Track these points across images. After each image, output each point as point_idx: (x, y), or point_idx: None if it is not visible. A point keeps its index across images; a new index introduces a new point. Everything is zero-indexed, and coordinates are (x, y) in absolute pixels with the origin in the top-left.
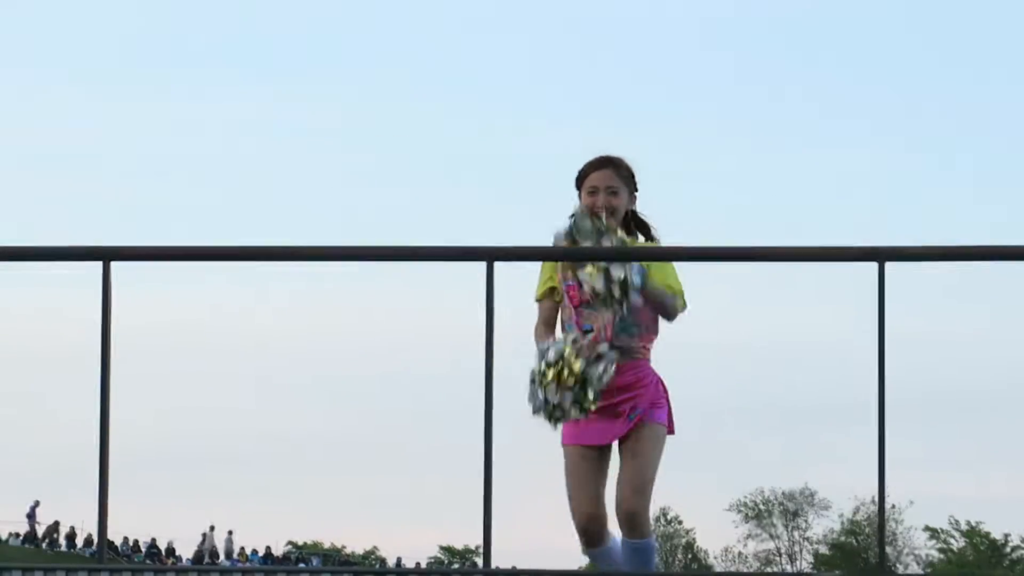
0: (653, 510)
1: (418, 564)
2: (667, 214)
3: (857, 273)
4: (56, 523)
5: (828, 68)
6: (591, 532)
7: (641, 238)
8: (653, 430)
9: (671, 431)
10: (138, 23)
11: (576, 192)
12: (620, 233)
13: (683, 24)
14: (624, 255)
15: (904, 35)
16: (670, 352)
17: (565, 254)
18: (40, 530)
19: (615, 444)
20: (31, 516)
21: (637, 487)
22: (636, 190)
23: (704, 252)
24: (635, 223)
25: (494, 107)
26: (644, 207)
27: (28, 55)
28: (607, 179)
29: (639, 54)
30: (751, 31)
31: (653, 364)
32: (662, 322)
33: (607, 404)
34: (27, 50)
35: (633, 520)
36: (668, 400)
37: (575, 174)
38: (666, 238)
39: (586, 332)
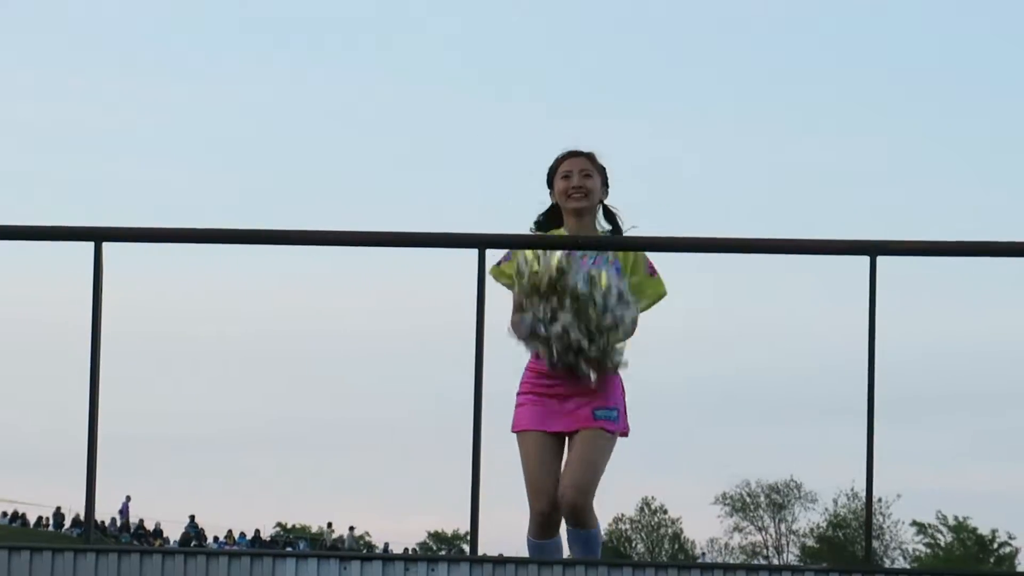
0: (635, 500)
1: (406, 550)
2: (660, 205)
3: (849, 266)
4: (58, 507)
5: (825, 63)
6: (552, 519)
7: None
8: (611, 440)
9: (626, 434)
10: (134, 4)
11: (548, 191)
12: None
13: (679, 17)
14: (619, 245)
15: (898, 30)
16: (659, 344)
17: (555, 243)
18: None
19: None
20: (123, 512)
21: (582, 486)
22: (607, 184)
23: (696, 243)
24: (605, 215)
25: (486, 96)
26: (638, 199)
27: (21, 37)
28: (581, 164)
29: (633, 45)
30: (748, 26)
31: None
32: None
33: (568, 392)
34: (20, 33)
35: (575, 511)
36: (624, 402)
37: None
38: (661, 228)
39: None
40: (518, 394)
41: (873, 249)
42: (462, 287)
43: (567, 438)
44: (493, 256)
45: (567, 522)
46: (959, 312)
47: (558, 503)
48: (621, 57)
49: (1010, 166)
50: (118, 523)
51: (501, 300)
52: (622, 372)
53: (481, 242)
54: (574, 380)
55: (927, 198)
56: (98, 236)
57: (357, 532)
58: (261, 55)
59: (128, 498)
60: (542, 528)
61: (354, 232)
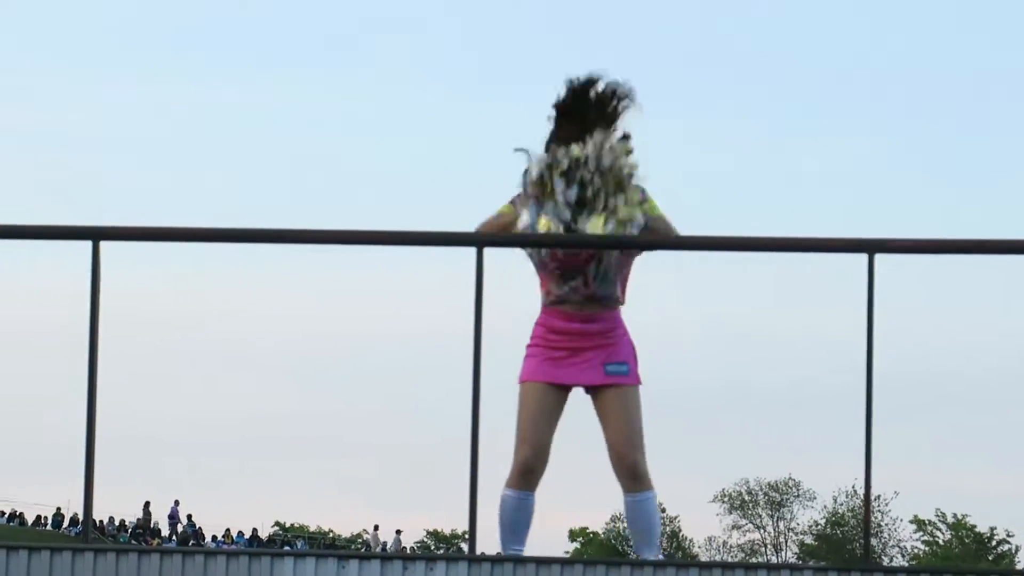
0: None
1: (404, 549)
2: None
3: (847, 264)
4: (58, 508)
5: (822, 64)
6: (534, 469)
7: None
8: (636, 392)
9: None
10: (129, 6)
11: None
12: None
13: (676, 19)
14: (619, 244)
15: (894, 32)
16: (657, 342)
17: (556, 240)
18: (144, 526)
19: (576, 393)
20: (173, 516)
21: (634, 441)
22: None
23: (694, 242)
24: None
25: (483, 96)
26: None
27: (17, 37)
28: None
29: (630, 46)
30: (746, 28)
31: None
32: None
33: (577, 347)
34: (16, 32)
35: (636, 470)
36: (635, 355)
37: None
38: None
39: (569, 282)
40: (527, 346)
41: (871, 247)
42: (461, 287)
43: (593, 400)
44: (491, 255)
45: (625, 487)
46: (957, 310)
47: (544, 451)
48: (617, 57)
49: (1008, 164)
50: (165, 528)
51: (500, 300)
52: (621, 309)
53: (480, 241)
54: (583, 335)
55: (925, 197)
56: (96, 235)
57: (354, 531)
58: (259, 58)
59: (177, 503)
60: (523, 476)
61: (352, 231)
